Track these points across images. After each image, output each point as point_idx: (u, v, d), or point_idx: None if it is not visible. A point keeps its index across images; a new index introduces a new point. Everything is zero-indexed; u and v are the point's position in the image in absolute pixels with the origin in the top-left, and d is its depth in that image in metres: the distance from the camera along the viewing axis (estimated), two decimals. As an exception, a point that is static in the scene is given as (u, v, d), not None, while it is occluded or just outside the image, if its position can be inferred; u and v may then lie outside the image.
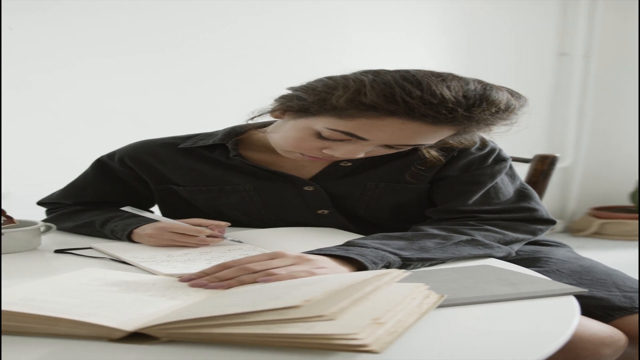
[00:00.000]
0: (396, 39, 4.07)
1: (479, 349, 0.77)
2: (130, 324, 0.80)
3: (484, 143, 1.56)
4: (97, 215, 1.63)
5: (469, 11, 4.58)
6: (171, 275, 1.14)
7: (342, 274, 1.06)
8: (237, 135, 1.63)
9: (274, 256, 1.09)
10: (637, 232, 4.80)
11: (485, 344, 0.79)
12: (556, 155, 1.95)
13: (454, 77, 1.33)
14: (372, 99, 1.29)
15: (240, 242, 1.43)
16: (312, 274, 1.05)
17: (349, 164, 1.57)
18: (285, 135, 1.47)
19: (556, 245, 1.64)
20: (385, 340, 0.73)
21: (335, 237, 1.48)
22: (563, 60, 5.28)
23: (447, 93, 1.28)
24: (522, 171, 1.76)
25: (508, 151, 1.60)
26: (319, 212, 1.60)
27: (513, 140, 1.52)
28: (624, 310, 1.28)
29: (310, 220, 1.61)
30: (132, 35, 3.08)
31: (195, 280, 1.03)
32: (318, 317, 0.74)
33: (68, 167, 2.51)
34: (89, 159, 1.77)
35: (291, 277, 1.02)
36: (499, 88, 1.35)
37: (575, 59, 5.30)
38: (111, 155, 1.73)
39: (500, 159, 1.55)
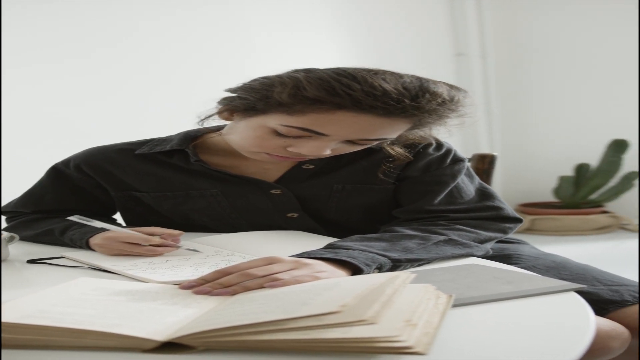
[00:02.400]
0: (301, 39, 4.15)
1: (516, 348, 0.78)
2: (160, 334, 0.80)
3: (439, 144, 1.59)
4: (56, 223, 1.60)
5: (368, 11, 4.66)
6: (166, 282, 1.13)
7: (353, 278, 1.07)
8: (192, 140, 1.63)
9: (271, 261, 1.09)
10: (568, 228, 4.96)
11: (521, 343, 0.80)
12: (494, 154, 2.01)
13: (385, 72, 1.37)
14: (314, 92, 1.33)
15: (197, 250, 1.40)
16: (315, 278, 1.06)
17: (312, 166, 1.58)
18: (243, 135, 1.48)
19: (518, 242, 1.68)
20: (425, 342, 0.74)
21: (308, 240, 1.49)
22: (461, 61, 5.39)
23: (386, 85, 1.33)
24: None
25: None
26: (289, 215, 1.61)
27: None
28: (615, 304, 1.32)
29: (281, 224, 1.62)
30: (47, 44, 3.08)
31: (198, 288, 1.03)
32: (359, 322, 0.75)
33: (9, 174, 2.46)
34: (25, 165, 1.75)
35: (296, 281, 1.03)
36: (434, 81, 1.40)
37: (472, 59, 5.42)
38: (66, 163, 1.70)
39: (458, 159, 1.59)
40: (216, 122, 1.57)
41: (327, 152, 1.44)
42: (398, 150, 1.55)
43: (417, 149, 1.57)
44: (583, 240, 4.83)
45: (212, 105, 1.52)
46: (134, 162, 1.65)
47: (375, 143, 1.49)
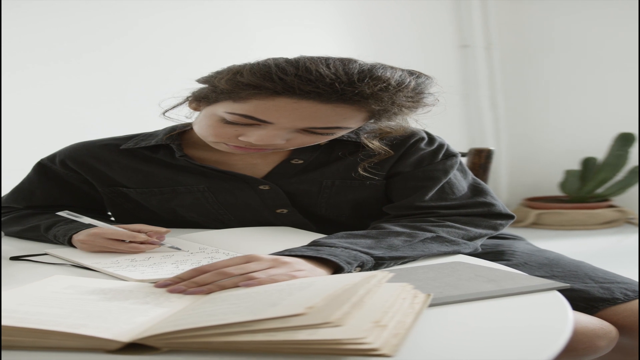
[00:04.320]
0: (302, 34, 4.12)
1: (489, 349, 0.77)
2: (125, 335, 0.78)
3: (431, 138, 1.57)
4: (44, 219, 1.58)
5: (370, 3, 4.62)
6: (143, 281, 1.11)
7: (329, 277, 1.04)
8: (178, 135, 1.62)
9: (248, 259, 1.07)
10: (574, 222, 4.93)
11: (495, 343, 0.79)
12: (491, 148, 1.98)
13: (344, 60, 1.35)
14: (249, 77, 1.33)
15: (179, 249, 1.38)
16: (292, 277, 1.03)
17: (300, 161, 1.57)
18: (200, 125, 1.49)
19: (514, 238, 1.65)
20: (393, 343, 0.72)
21: (296, 237, 1.47)
22: (466, 52, 5.35)
23: (323, 70, 1.31)
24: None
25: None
26: (278, 211, 1.59)
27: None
28: (606, 302, 1.30)
29: (270, 220, 1.60)
30: (40, 45, 3.06)
31: (172, 287, 1.01)
32: (325, 324, 0.73)
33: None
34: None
35: (272, 281, 1.00)
36: (395, 68, 1.37)
37: (477, 50, 5.38)
38: (51, 158, 1.68)
39: (450, 154, 1.56)
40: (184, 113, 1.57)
41: (279, 142, 1.42)
42: (376, 143, 1.53)
43: (408, 143, 1.54)
44: (589, 235, 4.80)
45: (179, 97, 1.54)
46: (119, 157, 1.64)
47: (337, 133, 1.45)
